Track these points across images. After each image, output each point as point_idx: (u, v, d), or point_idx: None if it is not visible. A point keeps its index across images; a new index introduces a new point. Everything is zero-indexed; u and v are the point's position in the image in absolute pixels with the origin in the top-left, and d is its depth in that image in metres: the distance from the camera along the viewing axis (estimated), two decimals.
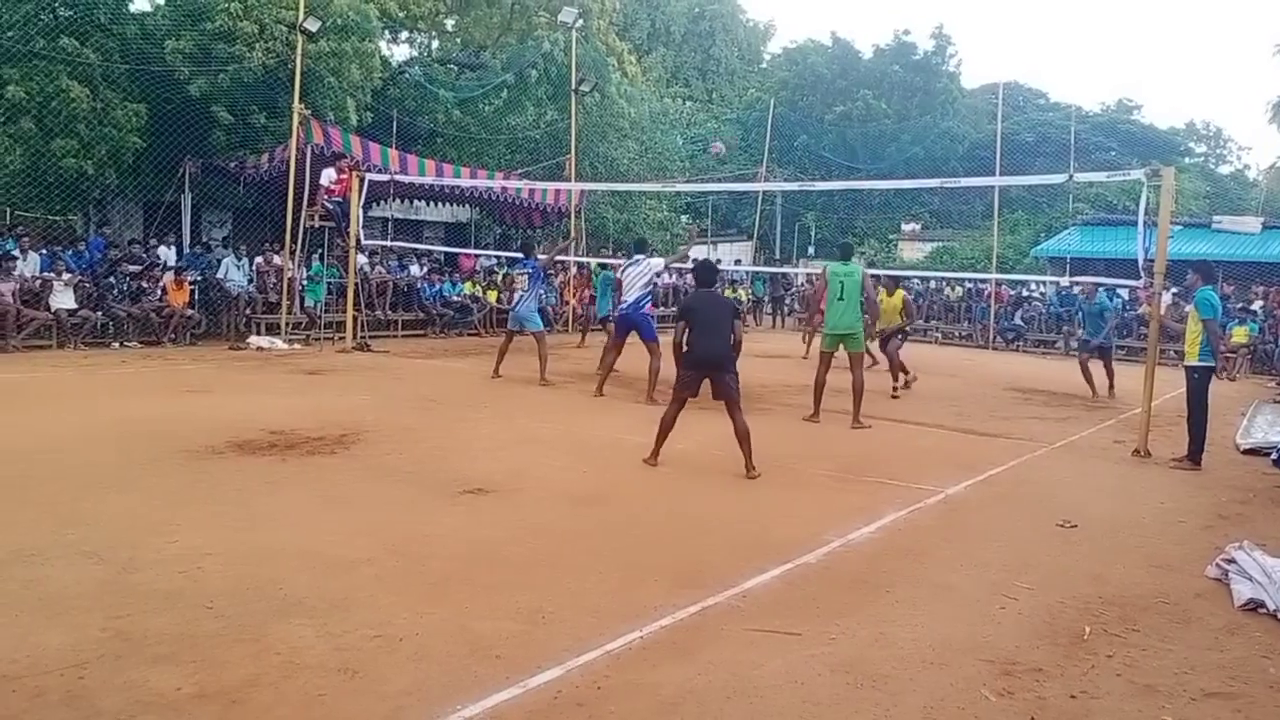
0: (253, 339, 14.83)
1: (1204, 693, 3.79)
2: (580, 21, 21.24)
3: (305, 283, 16.52)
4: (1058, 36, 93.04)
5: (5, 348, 12.53)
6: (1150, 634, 4.39)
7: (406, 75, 22.95)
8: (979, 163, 31.82)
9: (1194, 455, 8.49)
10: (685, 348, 7.24)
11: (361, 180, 15.04)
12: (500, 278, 18.66)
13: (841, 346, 9.98)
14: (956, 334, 24.78)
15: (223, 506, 5.68)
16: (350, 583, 4.49)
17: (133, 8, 17.54)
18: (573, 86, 20.75)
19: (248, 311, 15.99)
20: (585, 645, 3.89)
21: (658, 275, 11.75)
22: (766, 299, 27.85)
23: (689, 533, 5.67)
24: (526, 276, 11.93)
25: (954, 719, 3.48)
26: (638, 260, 11.20)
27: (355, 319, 15.37)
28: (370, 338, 15.51)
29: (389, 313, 17.92)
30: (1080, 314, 13.40)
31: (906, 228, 36.94)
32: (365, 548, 5.00)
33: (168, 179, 16.80)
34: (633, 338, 11.27)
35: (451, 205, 22.91)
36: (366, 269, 17.58)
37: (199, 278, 15.90)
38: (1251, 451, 9.43)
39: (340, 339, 15.53)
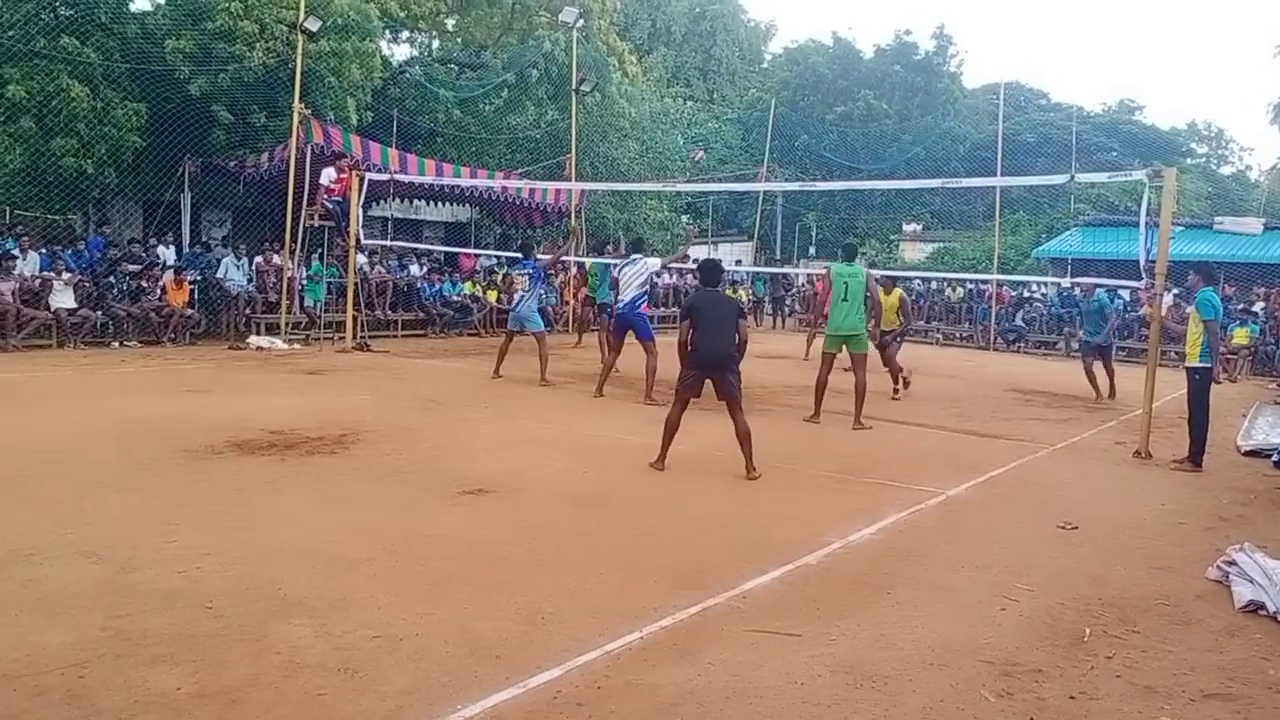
0: (252, 339, 14.83)
1: (1203, 694, 3.79)
2: (581, 21, 21.21)
3: (305, 282, 16.52)
4: (1059, 37, 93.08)
5: (5, 347, 12.53)
6: (1150, 635, 4.39)
7: (407, 75, 22.94)
8: (980, 163, 31.81)
9: (1195, 457, 8.49)
10: (690, 347, 7.21)
11: (361, 180, 15.04)
12: (500, 278, 18.66)
13: (844, 347, 9.98)
14: (957, 335, 24.77)
15: (222, 506, 5.68)
16: (350, 583, 4.49)
17: (133, 7, 17.54)
18: (573, 86, 20.74)
19: (247, 311, 15.99)
20: (585, 646, 3.89)
21: (655, 275, 11.76)
22: (767, 299, 27.85)
23: (689, 533, 5.66)
24: (527, 277, 11.93)
25: None
26: (634, 260, 11.19)
27: (355, 319, 15.37)
28: (370, 338, 15.51)
29: (389, 312, 17.91)
30: (1079, 314, 13.37)
31: (908, 228, 36.93)
32: (365, 548, 5.00)
33: (167, 178, 16.80)
34: (631, 338, 11.27)
35: (451, 205, 22.91)
36: (366, 269, 17.58)
37: (199, 277, 15.90)
38: (1252, 453, 9.43)
39: (340, 339, 15.53)
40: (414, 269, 19.56)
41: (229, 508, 5.66)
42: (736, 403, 7.19)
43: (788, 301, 28.48)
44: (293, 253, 15.60)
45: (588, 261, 17.16)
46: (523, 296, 11.92)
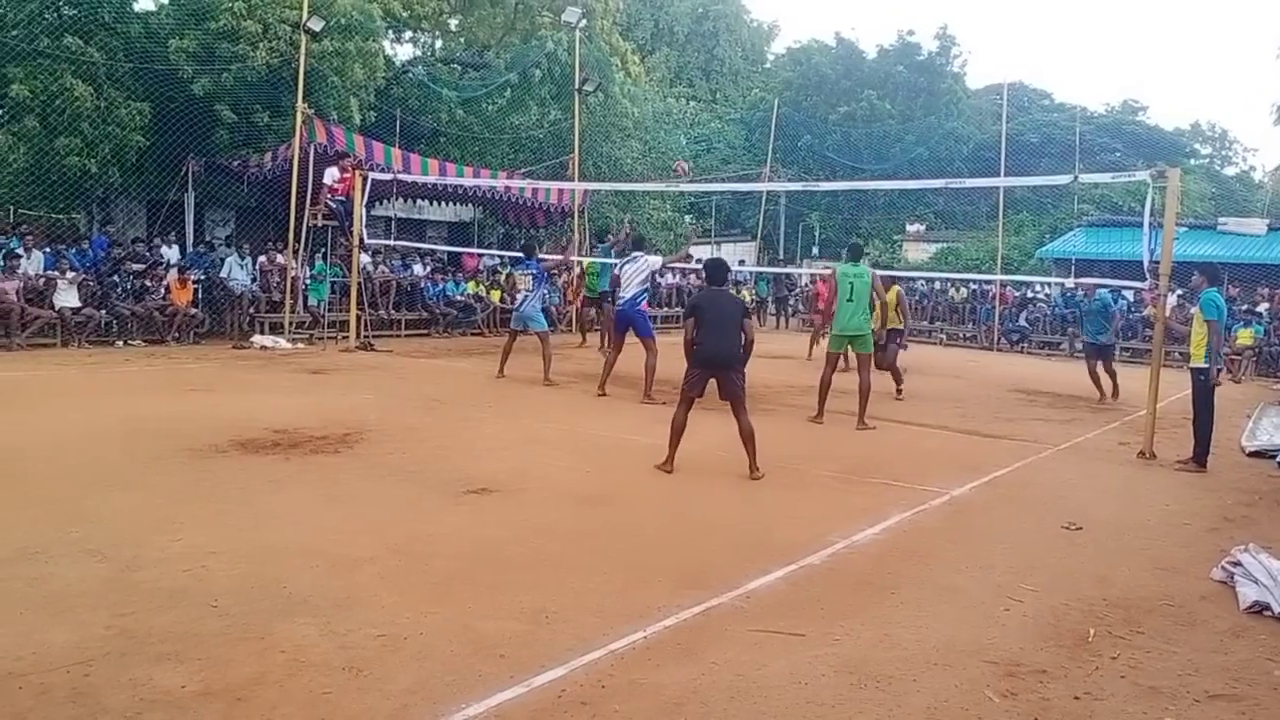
0: (256, 338, 14.84)
1: (1208, 695, 3.79)
2: (584, 21, 21.22)
3: (309, 282, 16.53)
4: (1062, 37, 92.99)
5: (9, 346, 12.55)
6: (1155, 636, 4.39)
7: (410, 75, 22.95)
8: (984, 163, 31.80)
9: (1199, 457, 8.48)
10: (695, 345, 7.20)
11: (365, 179, 15.04)
12: (504, 278, 18.67)
13: (849, 348, 9.97)
14: (961, 335, 24.75)
15: (226, 505, 5.68)
16: (354, 582, 4.50)
17: (137, 7, 17.55)
18: (576, 86, 20.74)
19: (251, 310, 16.00)
20: (589, 645, 3.89)
21: (656, 274, 11.77)
22: (770, 299, 27.84)
23: (693, 533, 5.66)
24: (530, 277, 11.94)
25: None
26: (635, 257, 11.19)
27: (358, 318, 15.37)
28: (374, 337, 15.52)
29: (392, 312, 17.92)
30: (1080, 314, 13.33)
31: (911, 228, 36.89)
32: (369, 547, 5.00)
33: (171, 178, 16.82)
34: (631, 337, 11.27)
35: (455, 205, 22.91)
36: (370, 268, 17.59)
37: (202, 277, 15.92)
38: (1257, 454, 9.42)
39: (344, 338, 15.54)
40: (417, 268, 19.57)
41: (233, 506, 5.66)
42: (740, 403, 7.17)
43: (791, 302, 28.47)
44: (296, 252, 15.62)
45: (585, 260, 17.21)
46: (526, 297, 11.93)
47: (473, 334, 18.72)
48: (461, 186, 19.00)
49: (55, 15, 15.61)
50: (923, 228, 37.06)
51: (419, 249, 21.09)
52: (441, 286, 19.07)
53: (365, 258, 16.89)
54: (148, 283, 14.65)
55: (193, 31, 16.60)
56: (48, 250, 14.43)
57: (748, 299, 25.50)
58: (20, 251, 13.54)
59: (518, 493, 6.36)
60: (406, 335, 17.70)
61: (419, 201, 22.74)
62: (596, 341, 16.24)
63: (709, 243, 33.68)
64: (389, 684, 3.47)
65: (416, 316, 18.39)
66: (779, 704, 3.50)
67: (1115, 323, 13.44)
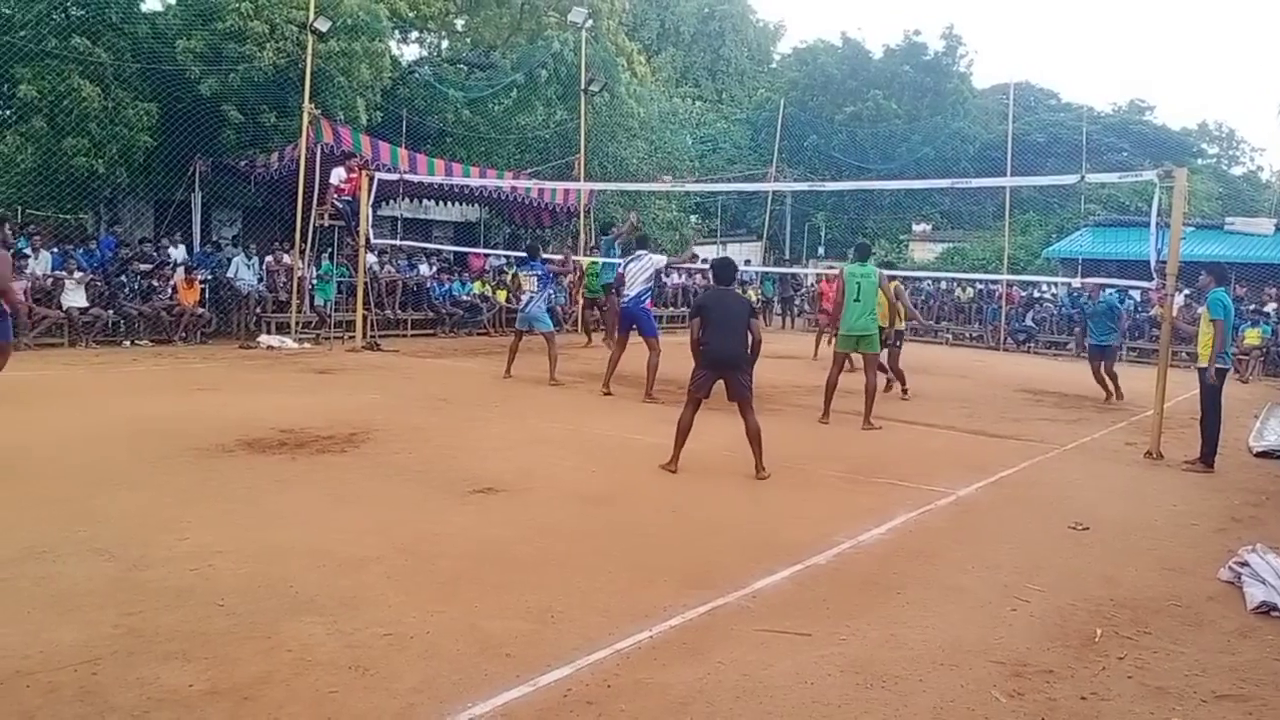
0: (263, 338, 14.89)
1: (1215, 695, 3.78)
2: (590, 21, 21.23)
3: (315, 282, 16.56)
4: (1069, 37, 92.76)
5: (17, 345, 12.56)
6: (1162, 636, 4.38)
7: (416, 75, 22.99)
8: (990, 163, 31.70)
9: (1206, 458, 8.45)
10: (701, 346, 7.19)
11: (371, 179, 15.07)
12: (509, 278, 18.71)
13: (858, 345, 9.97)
14: (967, 335, 24.72)
15: (233, 504, 5.70)
16: (360, 581, 4.50)
17: (144, 7, 17.63)
18: (582, 86, 20.75)
19: (258, 310, 16.04)
20: (595, 644, 3.89)
21: (661, 273, 11.77)
22: (775, 299, 27.82)
23: (698, 533, 5.66)
24: (535, 279, 11.95)
25: None
26: (639, 256, 11.21)
27: (365, 318, 15.41)
28: (380, 337, 15.56)
29: (398, 312, 17.95)
30: (1084, 316, 13.25)
31: (917, 228, 36.86)
32: (375, 546, 5.01)
33: (178, 178, 16.87)
34: (634, 337, 11.26)
35: (461, 205, 22.95)
36: (376, 268, 17.62)
37: (209, 276, 15.96)
38: (1265, 454, 9.38)
39: (350, 338, 15.56)
40: (423, 268, 19.60)
41: (240, 506, 5.68)
42: (747, 403, 7.17)
43: (796, 301, 28.46)
44: (303, 252, 15.66)
45: (585, 261, 17.24)
46: (531, 298, 11.94)
47: (479, 334, 18.74)
48: (467, 187, 19.05)
49: (63, 16, 15.67)
50: (929, 228, 37.01)
51: (425, 249, 21.12)
52: (447, 286, 19.10)
53: (371, 258, 16.92)
54: (155, 283, 14.70)
55: (200, 32, 16.65)
56: (55, 250, 14.48)
57: (753, 299, 25.49)
58: (28, 251, 13.58)
59: (523, 492, 6.36)
60: (412, 335, 17.72)
61: (425, 202, 22.80)
62: (600, 336, 16.30)
63: (715, 243, 33.67)
64: (395, 683, 3.48)
65: (422, 316, 18.43)
66: (785, 704, 3.50)
67: (1122, 323, 13.36)
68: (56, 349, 13.06)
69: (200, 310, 15.03)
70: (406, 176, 16.44)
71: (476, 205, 23.38)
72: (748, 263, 30.50)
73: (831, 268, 20.07)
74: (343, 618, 4.03)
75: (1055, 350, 22.29)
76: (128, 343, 13.98)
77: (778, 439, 7.85)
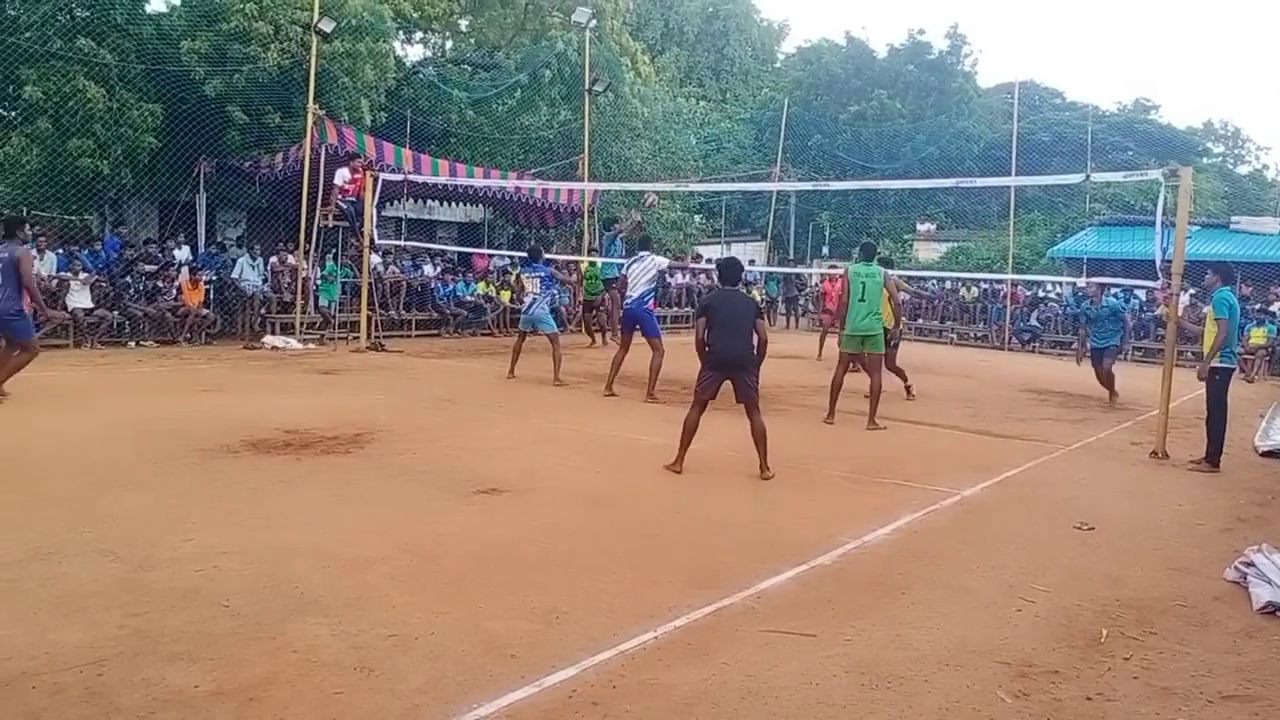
0: (267, 338, 14.90)
1: (1221, 695, 3.77)
2: (594, 21, 21.23)
3: (319, 282, 16.57)
4: (1074, 36, 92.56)
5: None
6: (1167, 636, 4.37)
7: (420, 75, 23.00)
8: (995, 162, 31.64)
9: (1212, 457, 8.43)
10: (707, 347, 7.18)
11: (375, 180, 15.08)
12: (513, 278, 18.72)
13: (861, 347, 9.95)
14: (972, 335, 24.66)
15: (238, 505, 5.71)
16: (365, 582, 4.51)
17: (149, 9, 17.64)
18: (586, 86, 20.75)
19: (262, 311, 16.06)
20: (599, 645, 3.89)
21: (665, 274, 11.77)
22: (780, 299, 27.80)
23: (703, 533, 5.66)
24: (538, 280, 11.96)
25: None
26: (642, 257, 11.21)
27: (369, 319, 15.42)
28: (384, 337, 15.55)
29: (403, 312, 17.96)
30: (1087, 319, 13.17)
31: (922, 228, 36.81)
32: (379, 547, 5.02)
33: (183, 179, 16.89)
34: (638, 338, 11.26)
35: (465, 205, 22.95)
36: (380, 269, 17.63)
37: (214, 277, 15.97)
38: (1270, 454, 9.36)
39: (354, 339, 15.58)
40: (428, 269, 19.60)
41: (245, 507, 5.69)
42: (754, 403, 7.16)
43: (801, 301, 28.42)
44: (307, 253, 15.66)
45: (584, 264, 17.25)
46: (534, 299, 11.95)
47: (483, 334, 18.75)
48: (472, 187, 19.04)
49: (68, 17, 15.71)
50: (933, 227, 36.96)
51: (429, 249, 21.12)
52: (452, 287, 19.10)
53: (376, 258, 16.94)
54: (160, 284, 14.72)
55: (204, 33, 16.68)
56: (60, 252, 14.52)
57: (758, 299, 25.48)
58: (33, 253, 13.58)
59: (528, 493, 6.36)
60: (417, 335, 17.73)
61: (429, 202, 22.80)
62: (606, 335, 16.32)
63: (719, 242, 33.65)
64: (400, 684, 3.48)
65: (427, 317, 18.44)
66: (790, 704, 3.49)
67: (1127, 326, 13.27)
68: (61, 350, 13.10)
69: (205, 311, 15.06)
70: (411, 177, 16.45)
71: (481, 206, 23.39)
72: (752, 263, 30.48)
73: (834, 267, 20.02)
74: (347, 618, 4.04)
75: (1060, 350, 22.23)
76: (132, 344, 14.01)
77: (782, 439, 7.84)
